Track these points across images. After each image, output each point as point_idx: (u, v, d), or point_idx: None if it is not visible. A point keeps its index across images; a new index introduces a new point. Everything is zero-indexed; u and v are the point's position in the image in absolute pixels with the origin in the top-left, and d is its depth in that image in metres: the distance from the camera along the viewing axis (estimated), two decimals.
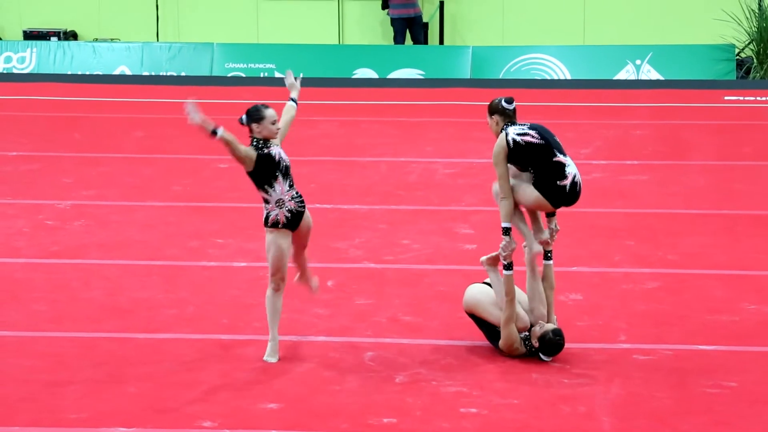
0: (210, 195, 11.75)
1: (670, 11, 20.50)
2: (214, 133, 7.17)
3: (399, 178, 12.51)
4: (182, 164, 13.10)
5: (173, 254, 9.70)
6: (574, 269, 9.25)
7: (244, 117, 7.36)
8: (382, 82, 19.22)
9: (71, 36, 21.39)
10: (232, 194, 11.78)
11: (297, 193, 7.36)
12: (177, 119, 16.14)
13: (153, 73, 20.02)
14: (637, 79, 19.28)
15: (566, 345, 7.36)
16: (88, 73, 20.07)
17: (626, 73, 19.44)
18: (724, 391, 6.90)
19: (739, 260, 9.53)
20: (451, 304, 8.22)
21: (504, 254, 7.30)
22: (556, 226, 7.47)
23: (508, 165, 7.30)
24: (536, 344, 7.32)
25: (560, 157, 7.26)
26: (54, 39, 20.97)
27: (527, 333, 7.36)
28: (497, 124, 7.35)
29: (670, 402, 6.74)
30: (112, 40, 21.12)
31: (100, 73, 20.05)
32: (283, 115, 7.61)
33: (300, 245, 7.49)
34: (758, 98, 17.22)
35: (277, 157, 7.28)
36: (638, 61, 19.44)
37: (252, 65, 19.88)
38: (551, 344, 7.29)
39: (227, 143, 7.17)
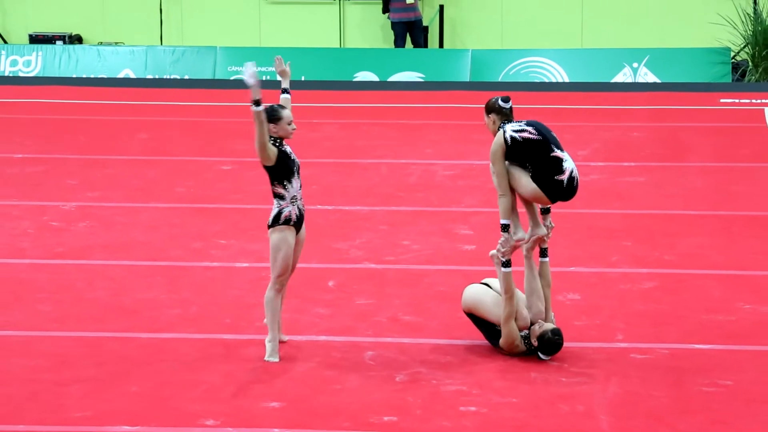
0: (213, 197, 11.80)
1: (667, 15, 20.55)
2: (256, 103, 7.17)
3: (399, 179, 12.57)
4: (186, 166, 13.15)
5: (177, 255, 9.76)
6: (572, 269, 9.30)
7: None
8: (383, 85, 19.26)
9: (76, 40, 21.45)
10: (234, 196, 11.84)
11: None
12: (181, 122, 16.19)
13: (157, 76, 20.08)
14: (635, 82, 19.32)
15: (564, 344, 7.42)
16: (92, 76, 20.13)
17: (623, 76, 19.49)
18: (720, 389, 6.94)
19: (736, 261, 9.58)
20: (450, 304, 8.28)
21: (503, 250, 7.35)
22: (550, 223, 7.53)
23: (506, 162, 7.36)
24: (535, 343, 7.37)
25: (558, 153, 7.32)
26: (59, 43, 21.03)
27: (527, 331, 7.41)
28: (494, 122, 7.42)
29: (668, 401, 6.79)
30: (116, 43, 21.18)
31: (105, 76, 20.11)
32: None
33: (294, 258, 7.53)
34: (753, 101, 17.27)
35: (292, 156, 7.39)
36: (635, 64, 19.50)
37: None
38: (550, 343, 7.34)
39: (260, 123, 7.20)
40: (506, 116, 7.40)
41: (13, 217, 10.94)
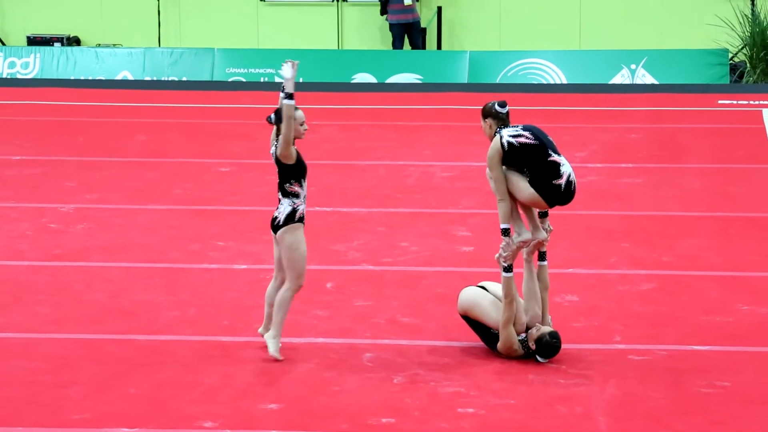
0: (211, 198, 11.81)
1: (665, 16, 20.57)
2: (289, 96, 7.23)
3: (397, 181, 12.58)
4: (184, 168, 13.16)
5: (175, 257, 9.77)
6: (570, 271, 9.31)
7: (272, 116, 7.44)
8: (381, 87, 19.27)
9: (74, 41, 21.46)
10: (232, 197, 11.85)
11: None
12: (179, 123, 16.20)
13: (155, 78, 20.09)
14: (632, 84, 19.34)
15: (563, 346, 7.43)
16: (90, 78, 20.14)
17: (621, 78, 19.51)
18: (718, 391, 6.95)
19: (734, 262, 9.60)
20: (448, 306, 8.28)
21: (505, 255, 7.36)
22: (549, 226, 7.55)
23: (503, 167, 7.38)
24: (533, 346, 7.38)
25: (555, 157, 7.33)
26: (57, 44, 21.04)
27: (525, 335, 7.42)
28: (491, 127, 7.44)
29: (666, 402, 6.80)
30: (114, 45, 21.18)
31: (103, 78, 20.12)
32: None
33: None
34: (751, 102, 17.29)
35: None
36: (633, 66, 19.52)
37: (252, 70, 19.96)
38: (548, 347, 7.35)
39: (289, 118, 7.24)
40: (503, 121, 7.42)
41: (11, 219, 10.95)
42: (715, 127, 15.65)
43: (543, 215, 7.52)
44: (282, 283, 7.51)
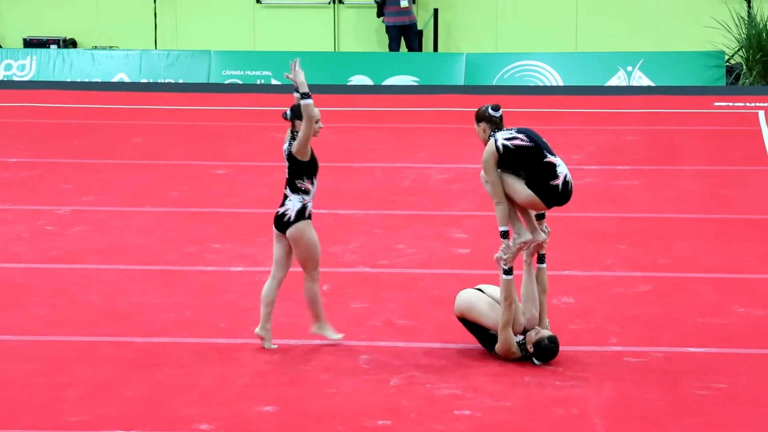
0: (208, 201, 11.82)
1: (661, 19, 20.59)
2: (305, 96, 7.26)
3: (394, 183, 12.59)
4: (180, 170, 13.17)
5: (171, 259, 9.78)
6: (567, 273, 9.32)
7: (288, 112, 7.48)
8: (377, 89, 19.28)
9: (70, 44, 21.46)
10: (229, 200, 11.85)
11: None
12: (175, 126, 16.21)
13: (151, 80, 20.10)
14: (629, 86, 19.36)
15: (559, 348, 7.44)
16: (87, 80, 20.14)
17: (618, 80, 19.53)
18: (714, 393, 6.96)
19: (730, 264, 9.61)
20: (445, 308, 8.29)
21: (505, 257, 7.36)
22: (546, 228, 7.56)
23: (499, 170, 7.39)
24: (531, 349, 7.39)
25: (551, 158, 7.34)
26: (53, 47, 21.04)
27: (523, 337, 7.43)
28: (484, 131, 7.45)
29: (662, 404, 6.81)
30: (110, 47, 21.18)
31: (99, 80, 20.12)
32: None
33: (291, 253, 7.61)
34: (747, 104, 17.32)
35: None
36: (629, 68, 19.54)
37: (249, 72, 19.97)
38: (546, 350, 7.36)
39: (309, 118, 7.29)
40: (496, 125, 7.43)
41: (7, 221, 10.95)
42: (712, 129, 15.67)
43: (540, 217, 7.53)
44: (280, 282, 7.54)
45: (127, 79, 20.17)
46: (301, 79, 7.33)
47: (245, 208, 11.53)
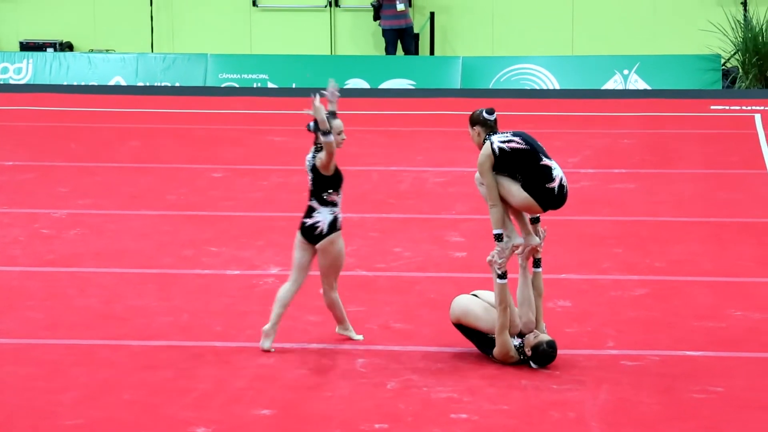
0: (204, 204, 11.82)
1: (657, 22, 20.62)
2: (326, 134, 7.35)
3: (390, 186, 12.60)
4: (177, 173, 13.17)
5: (168, 262, 9.78)
6: (563, 276, 9.33)
7: (312, 124, 7.54)
8: (374, 92, 19.30)
9: (67, 47, 21.46)
10: (225, 203, 11.86)
11: None
12: (172, 129, 16.22)
13: (148, 84, 20.11)
14: (625, 89, 19.39)
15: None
16: (83, 83, 20.15)
17: (614, 83, 19.55)
18: (711, 396, 6.97)
19: (726, 267, 9.62)
20: (441, 312, 8.29)
21: (500, 261, 7.37)
22: (542, 231, 7.55)
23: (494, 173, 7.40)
24: (529, 353, 7.39)
25: (546, 161, 7.35)
26: (50, 50, 21.04)
27: (521, 341, 7.43)
28: (479, 134, 7.46)
29: (658, 407, 6.81)
30: (107, 51, 21.19)
31: (96, 83, 20.13)
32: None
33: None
34: (744, 107, 17.34)
35: None
36: (626, 71, 19.56)
37: (245, 76, 19.98)
38: (544, 355, 7.36)
39: (330, 154, 7.42)
40: (491, 128, 7.44)
41: (3, 224, 10.95)
42: (708, 133, 15.69)
43: (534, 221, 7.53)
44: (299, 287, 7.69)
45: (123, 83, 20.17)
46: (322, 116, 7.38)
47: (242, 211, 11.54)
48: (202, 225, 10.95)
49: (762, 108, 17.17)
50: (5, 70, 20.47)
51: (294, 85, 19.65)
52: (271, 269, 9.57)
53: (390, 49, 20.47)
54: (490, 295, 7.54)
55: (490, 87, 19.52)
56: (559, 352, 7.45)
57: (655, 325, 8.22)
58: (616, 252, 10.05)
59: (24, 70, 20.45)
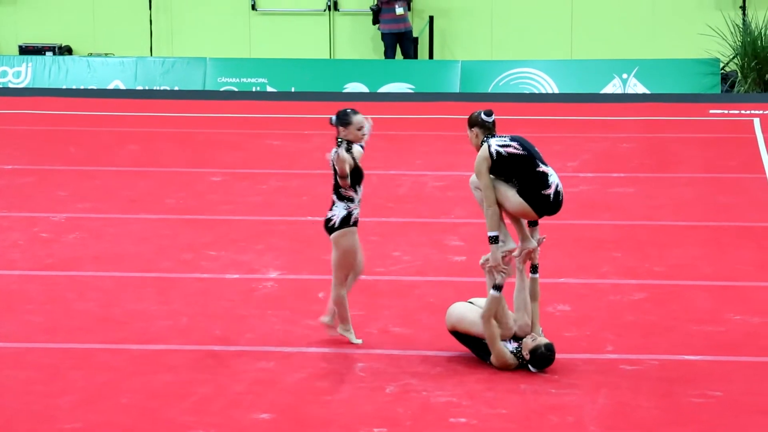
0: (203, 208, 11.83)
1: (656, 26, 20.64)
2: (342, 178, 7.58)
3: (389, 190, 12.60)
4: (176, 177, 13.18)
5: (167, 266, 9.78)
6: (562, 281, 9.33)
7: (333, 118, 7.59)
8: (373, 96, 19.31)
9: (66, 51, 21.48)
10: (224, 207, 11.86)
11: None
12: (171, 133, 16.22)
13: (147, 88, 20.12)
14: (624, 93, 19.40)
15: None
16: (82, 87, 20.16)
17: (613, 87, 19.57)
18: (710, 400, 6.97)
19: (725, 271, 9.62)
20: (440, 316, 8.28)
21: (493, 264, 7.36)
22: (540, 237, 7.55)
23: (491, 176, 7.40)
24: (527, 356, 7.40)
25: (543, 167, 7.36)
26: (49, 54, 21.05)
27: (518, 345, 7.43)
28: (477, 136, 7.47)
29: (657, 411, 6.82)
30: (106, 54, 21.20)
31: (95, 87, 20.14)
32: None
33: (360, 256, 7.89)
34: (743, 111, 17.35)
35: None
36: (625, 75, 19.58)
37: (244, 79, 19.99)
38: (542, 358, 7.36)
39: (345, 177, 7.56)
40: (489, 130, 7.45)
41: (2, 228, 10.95)
42: (707, 137, 15.70)
43: (532, 225, 7.53)
44: (355, 278, 7.83)
45: (122, 86, 20.18)
46: (345, 170, 7.48)
47: (241, 215, 11.54)
48: (201, 229, 10.96)
49: (761, 112, 17.18)
50: (4, 74, 20.48)
51: (293, 89, 19.66)
52: (271, 273, 9.57)
53: (389, 53, 20.48)
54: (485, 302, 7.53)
55: (489, 91, 19.53)
56: (557, 356, 7.45)
57: (654, 329, 8.23)
58: (615, 256, 10.06)
59: (23, 73, 20.46)
